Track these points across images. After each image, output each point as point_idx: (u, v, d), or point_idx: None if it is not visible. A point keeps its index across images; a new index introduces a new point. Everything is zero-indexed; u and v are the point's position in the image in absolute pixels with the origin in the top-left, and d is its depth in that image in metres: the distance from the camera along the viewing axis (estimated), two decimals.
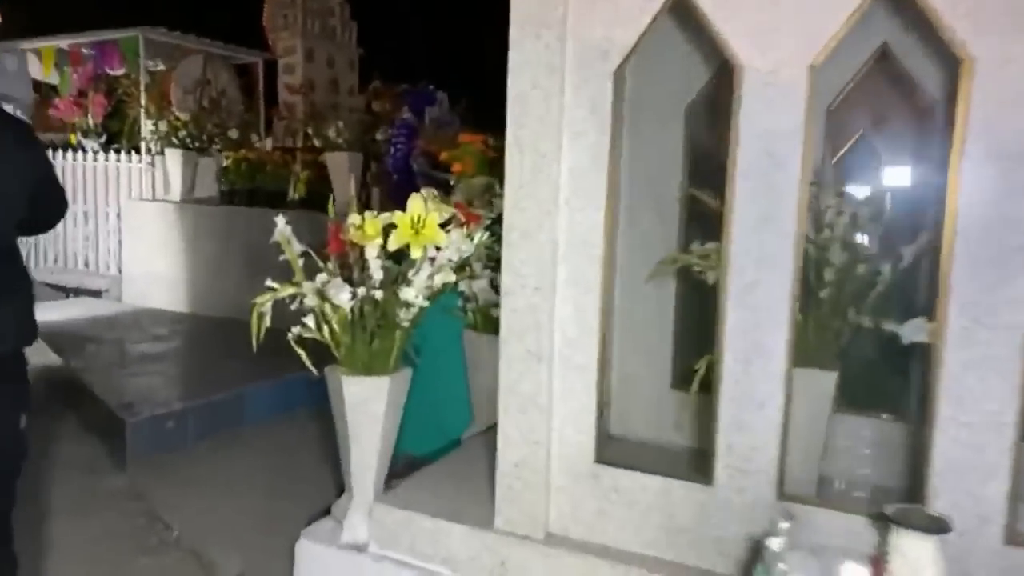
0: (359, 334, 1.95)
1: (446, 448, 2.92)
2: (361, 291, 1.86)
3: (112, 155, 6.65)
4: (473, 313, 2.82)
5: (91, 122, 7.15)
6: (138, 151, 6.57)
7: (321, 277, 1.81)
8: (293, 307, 1.97)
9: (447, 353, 2.91)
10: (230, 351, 4.57)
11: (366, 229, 1.78)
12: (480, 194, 3.01)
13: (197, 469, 3.00)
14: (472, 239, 1.98)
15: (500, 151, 3.60)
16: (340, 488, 2.77)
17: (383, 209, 2.01)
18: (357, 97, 8.25)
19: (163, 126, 6.03)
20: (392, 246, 1.78)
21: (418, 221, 1.74)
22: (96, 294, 6.24)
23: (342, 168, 5.15)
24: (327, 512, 2.24)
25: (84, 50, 7.10)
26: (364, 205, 5.23)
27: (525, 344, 1.82)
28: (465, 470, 2.23)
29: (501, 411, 1.87)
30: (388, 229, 1.84)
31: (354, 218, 1.82)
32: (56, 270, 6.87)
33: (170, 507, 2.64)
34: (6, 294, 1.71)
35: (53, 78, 7.97)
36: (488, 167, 3.39)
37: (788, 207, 1.57)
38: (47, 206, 1.81)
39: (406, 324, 1.96)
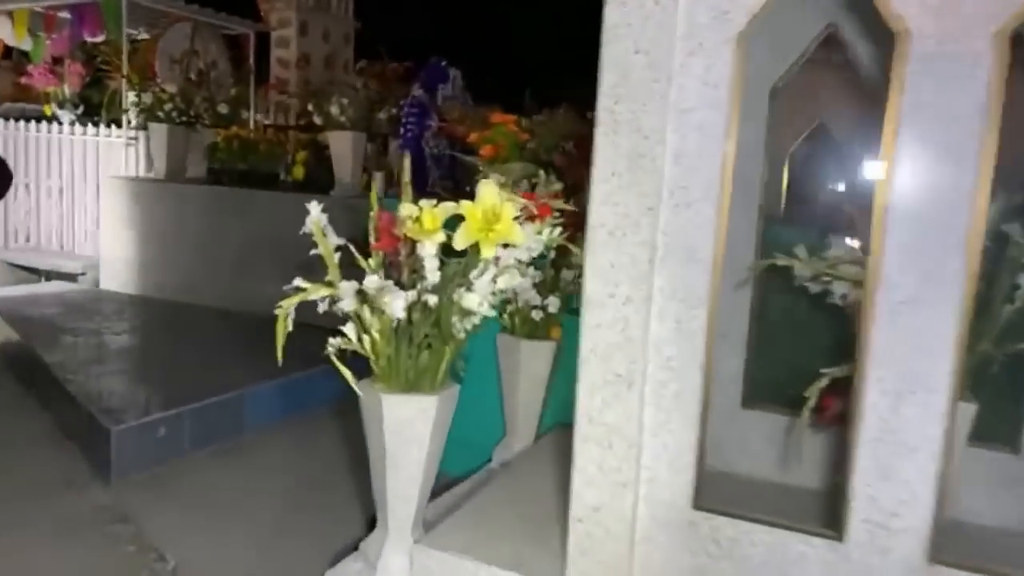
0: (404, 346, 1.63)
1: (476, 466, 2.62)
2: (411, 295, 1.54)
3: (90, 128, 6.20)
4: (511, 315, 2.50)
5: (67, 92, 6.67)
6: (119, 125, 6.12)
7: (372, 280, 1.48)
8: (321, 310, 1.65)
9: (479, 358, 2.59)
10: (225, 346, 4.22)
11: (424, 222, 1.45)
12: (517, 182, 2.69)
13: (195, 485, 2.65)
14: (542, 235, 1.66)
15: (530, 134, 3.30)
16: (366, 512, 2.45)
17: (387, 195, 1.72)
18: (351, 75, 7.83)
19: (147, 98, 5.59)
20: (459, 244, 1.45)
21: (492, 214, 1.42)
22: (71, 278, 5.81)
23: (345, 149, 4.78)
24: (355, 547, 1.93)
25: (61, 14, 6.61)
26: (366, 190, 4.84)
27: (612, 366, 1.51)
28: (518, 502, 1.93)
29: (578, 444, 1.56)
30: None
31: (409, 208, 1.49)
32: (27, 250, 6.42)
33: (163, 532, 2.30)
34: None
35: (26, 44, 7.46)
36: (520, 151, 3.07)
37: (962, 208, 1.28)
38: None
39: (462, 335, 1.64)
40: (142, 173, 6.01)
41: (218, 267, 5.23)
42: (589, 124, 1.50)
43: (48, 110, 6.85)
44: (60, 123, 6.50)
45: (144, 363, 3.88)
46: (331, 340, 1.54)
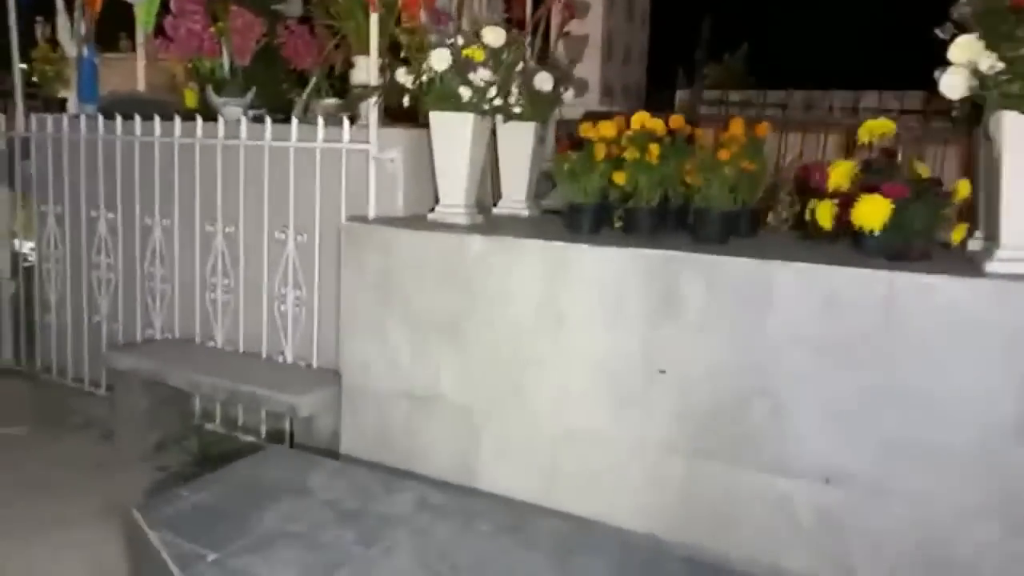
0: None
1: None
2: None
3: (294, 128, 3.31)
4: None
5: (226, 65, 3.81)
6: (351, 119, 3.23)
7: None
8: None
9: None
10: None
11: None
12: None
13: None
14: None
15: None
16: None
17: None
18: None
19: (437, 63, 2.68)
20: None
21: None
22: (275, 434, 2.94)
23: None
24: None
25: None
26: None
27: None
28: None
29: None
30: None
31: None
32: (174, 362, 3.56)
33: None
34: None
35: None
36: None
37: None
38: None
39: None
40: (411, 210, 3.13)
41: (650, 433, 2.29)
42: None
43: (191, 99, 3.99)
44: (224, 120, 3.62)
45: None
46: None
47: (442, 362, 2.67)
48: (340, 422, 2.91)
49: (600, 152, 2.62)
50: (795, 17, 8.44)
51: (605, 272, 2.36)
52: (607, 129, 2.64)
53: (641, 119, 2.56)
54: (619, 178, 2.55)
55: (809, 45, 8.07)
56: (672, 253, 2.27)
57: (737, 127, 2.55)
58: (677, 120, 2.72)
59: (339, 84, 3.93)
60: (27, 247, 4.60)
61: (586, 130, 2.70)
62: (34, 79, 5.07)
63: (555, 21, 4.45)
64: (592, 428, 2.42)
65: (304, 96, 3.99)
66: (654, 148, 2.49)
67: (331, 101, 3.91)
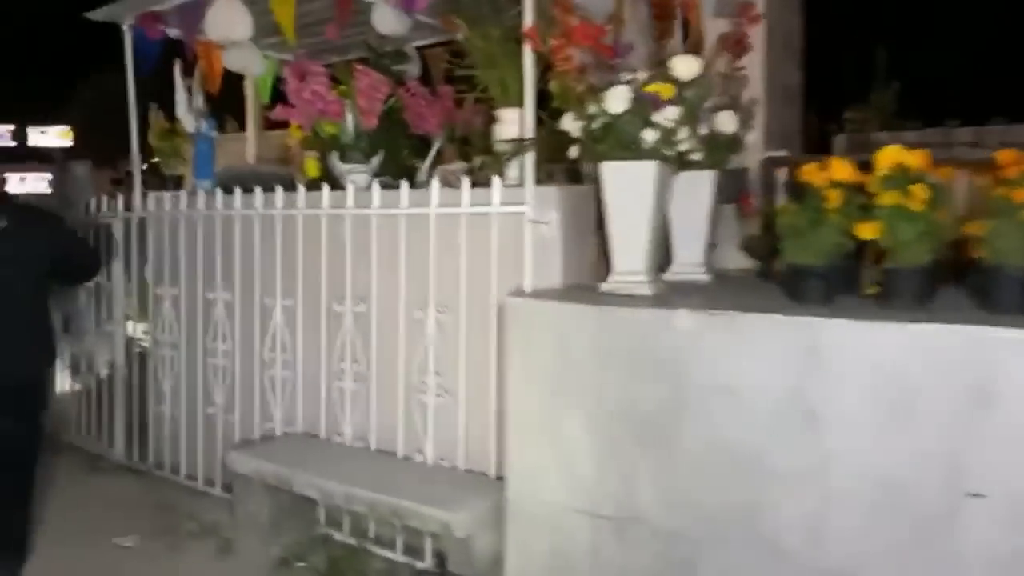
0: None
1: None
2: None
3: (433, 191, 2.90)
4: None
5: (350, 128, 3.48)
6: (499, 173, 2.80)
7: None
8: None
9: None
10: None
11: None
12: None
13: None
14: None
15: None
16: None
17: None
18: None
19: (618, 103, 2.20)
20: None
21: None
22: (414, 551, 2.42)
23: None
24: None
25: None
26: None
27: None
28: None
29: None
30: None
31: None
32: (300, 464, 3.13)
33: None
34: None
35: (254, 65, 4.43)
36: None
37: None
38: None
39: None
40: (569, 280, 2.64)
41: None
42: None
43: (312, 168, 3.70)
44: (342, 187, 3.26)
45: None
46: None
47: (640, 472, 2.09)
48: (503, 543, 2.36)
49: (835, 200, 2.07)
50: (947, 51, 7.76)
51: (879, 357, 1.76)
52: (841, 171, 2.08)
53: (894, 155, 1.99)
54: (868, 231, 1.98)
55: (963, 79, 7.35)
56: (984, 330, 1.66)
57: (1018, 158, 1.95)
58: (920, 156, 2.14)
59: (477, 144, 3.55)
60: (140, 331, 4.36)
61: (809, 173, 2.15)
62: (147, 165, 4.95)
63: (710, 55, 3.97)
64: (864, 570, 1.78)
65: (428, 160, 3.65)
66: (919, 191, 1.91)
67: (459, 165, 3.55)
